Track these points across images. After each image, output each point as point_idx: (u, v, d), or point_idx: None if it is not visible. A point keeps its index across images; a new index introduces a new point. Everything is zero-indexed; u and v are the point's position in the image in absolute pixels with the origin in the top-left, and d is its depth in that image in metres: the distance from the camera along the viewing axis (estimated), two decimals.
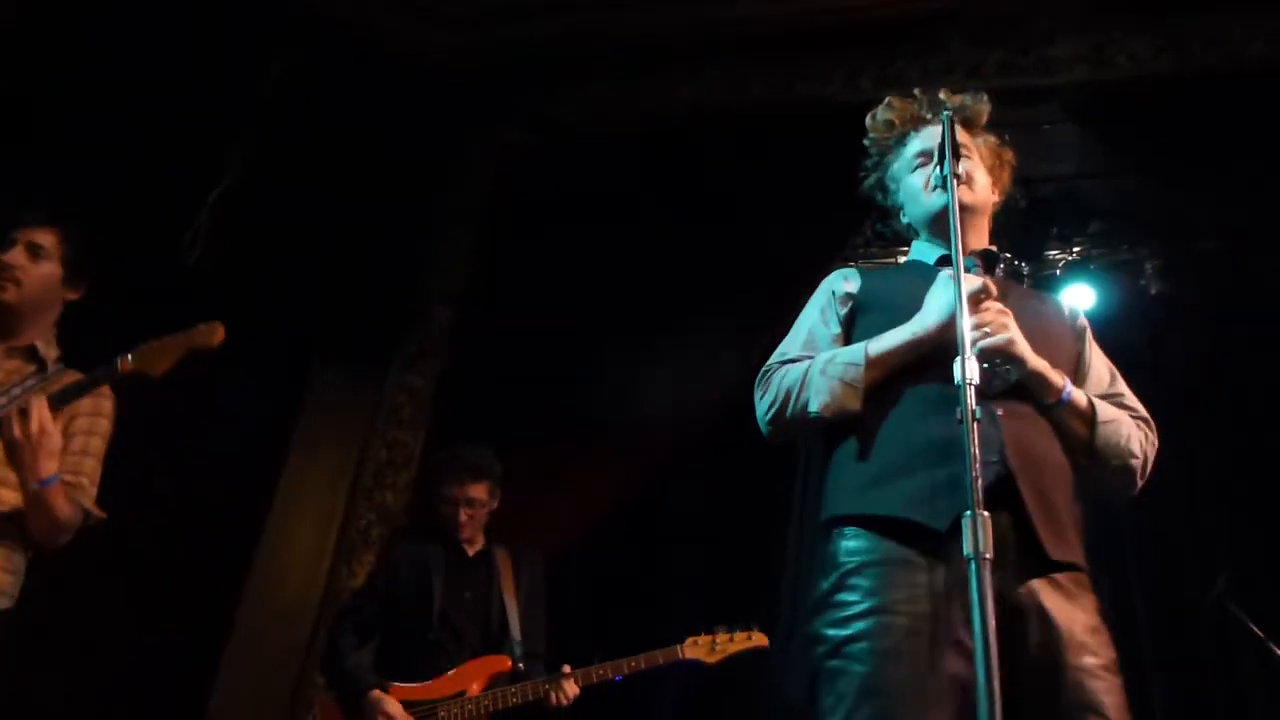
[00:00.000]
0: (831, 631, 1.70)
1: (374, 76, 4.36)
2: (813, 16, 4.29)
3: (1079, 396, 1.86)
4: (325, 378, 4.34)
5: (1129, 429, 1.89)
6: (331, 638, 3.40)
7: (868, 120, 2.20)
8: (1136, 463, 1.88)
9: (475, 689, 3.21)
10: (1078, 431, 1.86)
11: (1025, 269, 4.67)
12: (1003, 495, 1.66)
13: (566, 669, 3.20)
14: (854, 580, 1.71)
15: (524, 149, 4.69)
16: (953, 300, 1.73)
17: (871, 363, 1.85)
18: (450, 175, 4.66)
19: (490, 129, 4.75)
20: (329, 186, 4.23)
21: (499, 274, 4.41)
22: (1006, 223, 4.65)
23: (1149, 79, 4.02)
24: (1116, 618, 4.49)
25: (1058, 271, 4.72)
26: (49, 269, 2.44)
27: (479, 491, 3.43)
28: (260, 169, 4.11)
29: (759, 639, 3.29)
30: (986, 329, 1.75)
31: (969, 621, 1.52)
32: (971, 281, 1.79)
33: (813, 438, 1.96)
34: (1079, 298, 4.66)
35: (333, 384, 4.33)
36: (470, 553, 3.48)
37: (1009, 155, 2.21)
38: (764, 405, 1.96)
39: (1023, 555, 1.68)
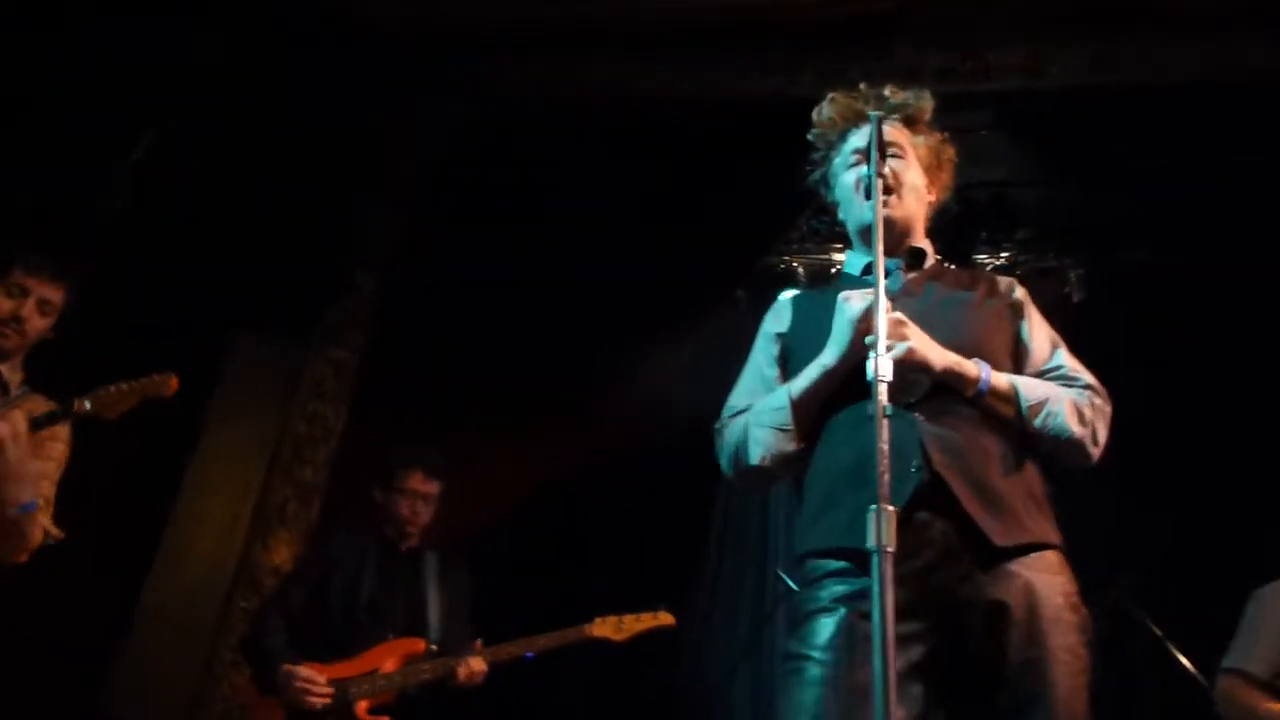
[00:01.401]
0: (791, 643, 1.76)
1: (310, 41, 4.25)
2: (761, 11, 4.31)
3: (999, 381, 1.84)
4: (245, 346, 4.24)
5: (1062, 404, 1.85)
6: (256, 619, 3.41)
7: (814, 114, 2.20)
8: (1080, 433, 1.84)
9: (388, 667, 3.23)
10: (1007, 415, 1.84)
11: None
12: (936, 498, 1.69)
13: (478, 644, 3.25)
14: (809, 591, 1.78)
15: (462, 123, 4.63)
16: (845, 327, 1.83)
17: (795, 404, 1.90)
18: (384, 145, 4.58)
19: (428, 101, 4.68)
20: (258, 150, 4.12)
21: (429, 248, 4.35)
22: (940, 225, 4.76)
23: (1081, 91, 4.12)
24: None
25: None
26: (49, 323, 2.57)
27: (432, 488, 3.53)
28: (187, 130, 4.00)
29: (665, 618, 3.37)
30: (887, 343, 1.76)
31: (901, 613, 1.57)
32: (856, 298, 1.84)
33: (781, 480, 1.98)
34: None
35: (253, 353, 4.23)
36: (402, 548, 3.52)
37: (950, 153, 2.22)
38: (723, 462, 2.03)
39: (972, 551, 1.69)
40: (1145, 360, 4.80)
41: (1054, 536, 1.78)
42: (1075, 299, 4.81)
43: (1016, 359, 1.96)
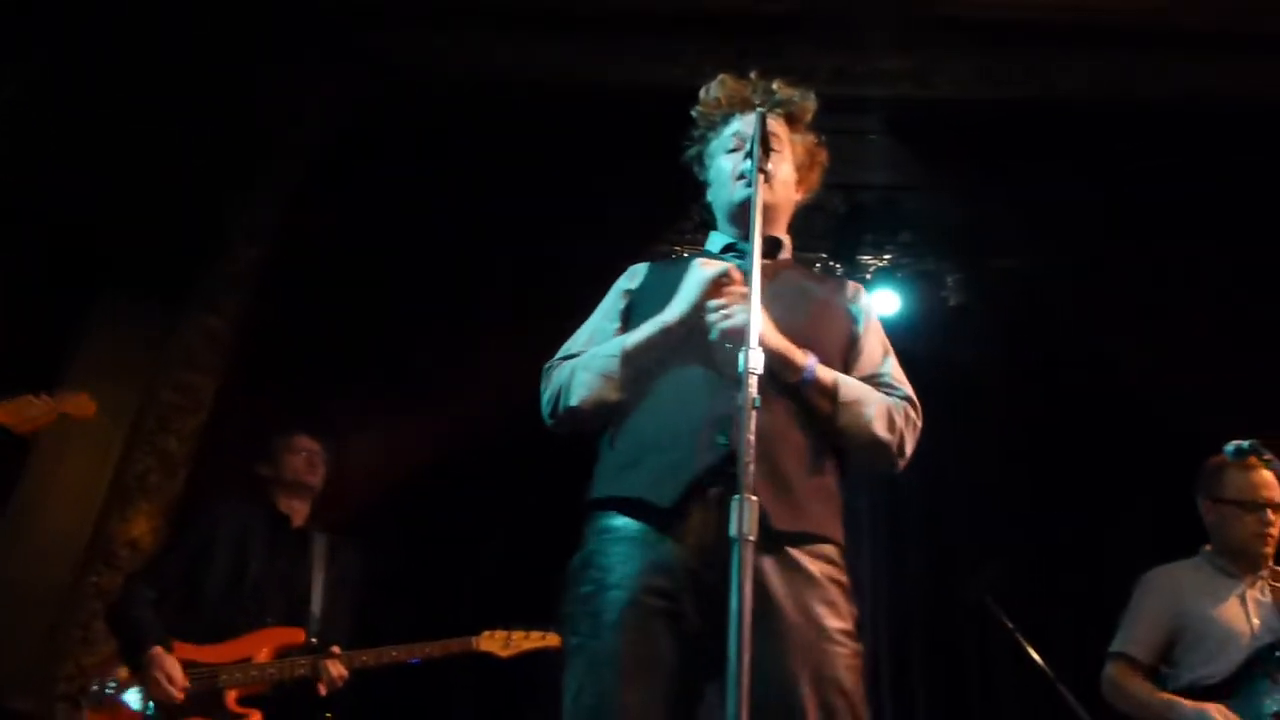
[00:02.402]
0: (573, 609, 1.77)
1: None
2: (666, 2, 4.33)
3: (824, 375, 1.89)
4: (114, 307, 4.01)
5: (875, 408, 1.91)
6: (127, 588, 3.24)
7: (700, 92, 2.24)
8: (888, 439, 1.91)
9: (263, 656, 3.12)
10: (823, 408, 1.89)
11: (839, 270, 4.88)
12: (733, 475, 1.66)
13: (335, 649, 3.16)
14: (594, 559, 1.79)
15: (358, 92, 4.50)
16: (692, 289, 1.87)
17: (626, 354, 1.92)
18: (275, 109, 4.41)
19: (325, 67, 4.52)
20: (140, 103, 3.92)
21: (316, 218, 4.22)
22: (826, 224, 4.86)
23: (966, 102, 4.27)
24: (895, 604, 4.85)
25: (868, 275, 4.95)
26: None
27: (318, 447, 3.47)
28: (64, 74, 3.77)
29: (552, 639, 3.34)
30: (725, 312, 1.82)
31: (687, 591, 1.67)
32: (713, 267, 1.89)
33: (593, 429, 1.98)
34: (884, 302, 4.91)
35: (121, 314, 4.00)
36: (292, 525, 3.42)
37: (822, 156, 2.28)
38: (544, 400, 2.02)
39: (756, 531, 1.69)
40: (1012, 364, 5.04)
41: (837, 533, 1.84)
42: (952, 303, 5.00)
43: (848, 360, 2.03)
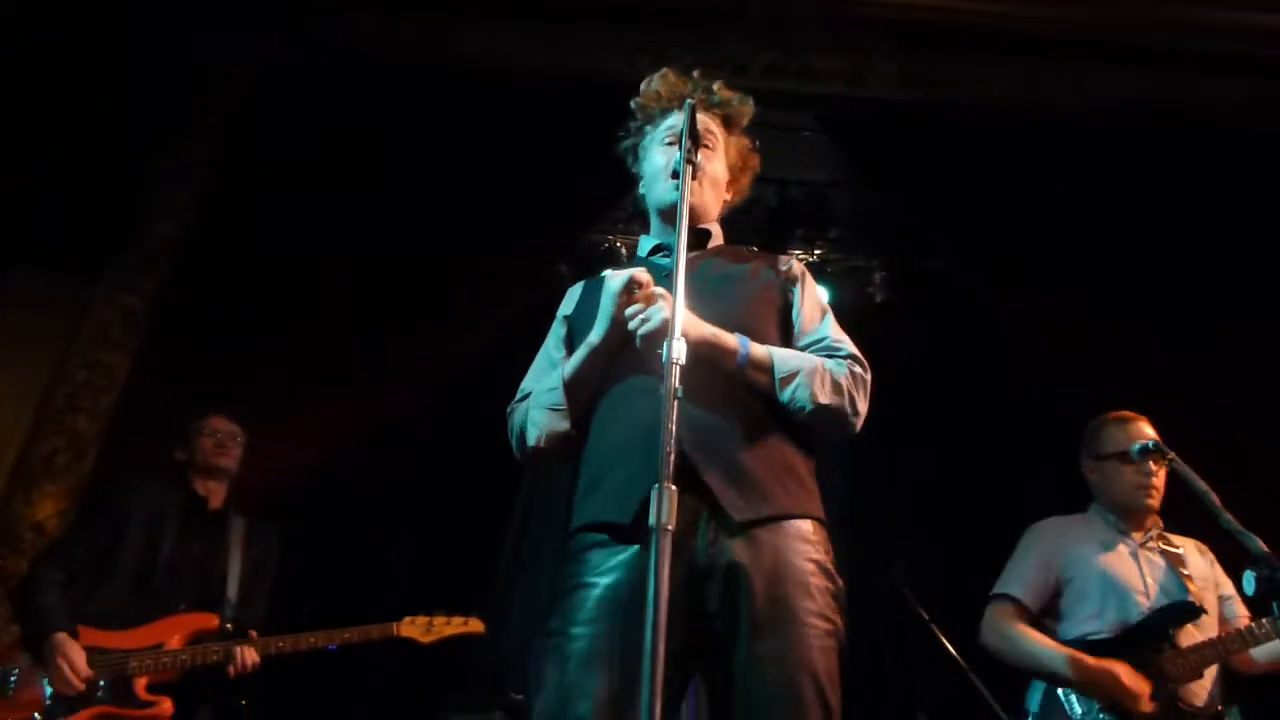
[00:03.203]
0: (553, 620, 1.79)
1: None
2: None
3: (758, 352, 1.89)
4: (23, 280, 3.86)
5: (815, 376, 1.88)
6: (34, 570, 3.13)
7: (642, 85, 2.25)
8: (836, 403, 1.88)
9: (175, 643, 3.06)
10: (765, 385, 1.89)
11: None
12: (687, 473, 1.72)
13: (253, 634, 3.13)
14: (571, 569, 1.82)
15: (281, 66, 4.39)
16: (606, 304, 1.90)
17: (565, 384, 1.95)
18: (195, 81, 4.28)
19: (247, 40, 4.40)
20: (59, 73, 3.78)
21: (236, 194, 4.10)
22: (758, 217, 4.88)
23: (896, 103, 4.33)
24: None
25: None
26: None
27: (234, 429, 3.45)
28: None
29: (475, 625, 3.34)
30: (641, 317, 1.83)
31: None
32: (618, 276, 1.90)
33: (564, 459, 2.00)
34: None
35: (31, 288, 3.85)
36: (209, 507, 3.36)
37: (755, 161, 2.31)
38: (512, 444, 2.06)
39: (719, 520, 1.74)
40: (933, 360, 5.14)
41: (810, 507, 1.84)
42: (878, 299, 5.10)
43: (785, 331, 2.04)
